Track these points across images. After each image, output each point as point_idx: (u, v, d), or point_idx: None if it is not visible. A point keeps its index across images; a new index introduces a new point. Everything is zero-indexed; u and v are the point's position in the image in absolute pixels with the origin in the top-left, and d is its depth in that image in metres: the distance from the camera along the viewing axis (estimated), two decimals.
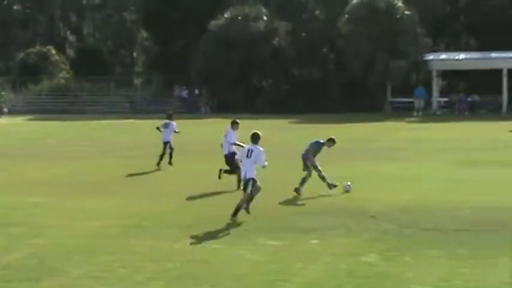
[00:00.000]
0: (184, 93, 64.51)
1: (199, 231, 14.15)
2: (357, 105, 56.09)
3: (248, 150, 15.99)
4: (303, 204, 17.40)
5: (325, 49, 64.80)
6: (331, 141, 19.03)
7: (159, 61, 68.45)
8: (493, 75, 56.36)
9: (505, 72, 55.75)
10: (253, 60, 58.50)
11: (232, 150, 20.07)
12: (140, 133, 38.95)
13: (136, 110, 60.90)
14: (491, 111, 54.66)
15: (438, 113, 56.39)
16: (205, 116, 56.23)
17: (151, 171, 23.75)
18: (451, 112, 55.76)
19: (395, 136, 36.58)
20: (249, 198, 15.71)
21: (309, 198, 17.93)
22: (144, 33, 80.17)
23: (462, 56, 59.16)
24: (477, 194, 18.11)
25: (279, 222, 15.09)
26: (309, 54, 61.62)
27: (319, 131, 31.56)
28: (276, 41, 60.42)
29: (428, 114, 54.34)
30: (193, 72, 60.97)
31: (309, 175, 18.61)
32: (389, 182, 20.58)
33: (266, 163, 15.86)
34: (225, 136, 20.48)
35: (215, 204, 17.42)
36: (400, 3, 57.19)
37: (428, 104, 57.78)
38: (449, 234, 13.73)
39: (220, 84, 58.76)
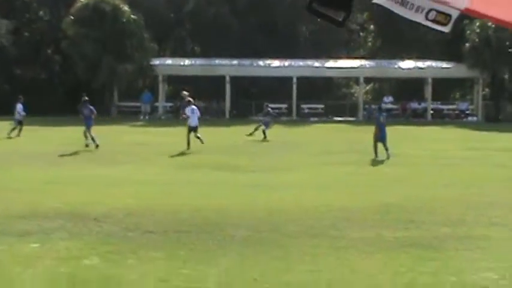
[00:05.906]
0: None
1: None
2: None
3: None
4: (18, 208, 16.47)
5: (49, 50, 63.31)
6: None
7: None
8: (217, 82, 58.39)
9: (228, 79, 57.94)
10: None
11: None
12: None
13: None
14: (215, 116, 56.56)
15: (163, 117, 57.28)
16: None
17: None
18: (176, 117, 56.64)
19: (120, 140, 36.55)
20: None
21: (24, 202, 17.20)
22: None
23: (187, 62, 60.58)
24: (196, 197, 18.54)
25: None
26: (32, 55, 59.87)
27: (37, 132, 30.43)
28: None
29: (154, 119, 55.04)
30: None
31: None
32: (113, 186, 20.50)
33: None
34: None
35: None
36: (126, 7, 57.29)
37: (154, 108, 58.57)
38: (170, 236, 13.93)
39: None
